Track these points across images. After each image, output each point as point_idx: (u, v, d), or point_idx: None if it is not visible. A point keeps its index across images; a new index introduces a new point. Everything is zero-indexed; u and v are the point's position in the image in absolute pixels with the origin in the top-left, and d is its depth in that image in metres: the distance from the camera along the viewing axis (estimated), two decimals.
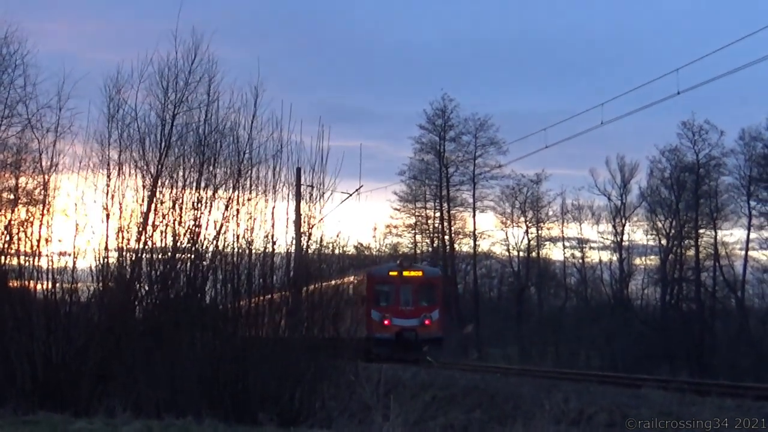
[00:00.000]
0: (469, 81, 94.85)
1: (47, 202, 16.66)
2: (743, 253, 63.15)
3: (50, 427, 12.97)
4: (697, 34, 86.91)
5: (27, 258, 16.49)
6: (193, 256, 16.32)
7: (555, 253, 73.80)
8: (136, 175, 16.98)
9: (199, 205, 16.51)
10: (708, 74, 28.56)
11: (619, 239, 68.22)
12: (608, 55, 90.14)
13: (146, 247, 16.55)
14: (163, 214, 16.67)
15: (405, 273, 35.87)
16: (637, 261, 69.18)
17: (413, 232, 73.77)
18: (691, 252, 64.77)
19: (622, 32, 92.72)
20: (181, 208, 16.51)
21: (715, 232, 63.94)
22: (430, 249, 73.64)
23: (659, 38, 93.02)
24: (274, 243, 16.26)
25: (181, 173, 17.03)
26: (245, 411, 14.68)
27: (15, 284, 16.63)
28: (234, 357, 15.39)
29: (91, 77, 17.99)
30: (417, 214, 73.17)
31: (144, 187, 16.97)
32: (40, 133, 17.29)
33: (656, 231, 66.66)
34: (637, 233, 68.71)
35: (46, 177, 16.81)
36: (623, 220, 68.20)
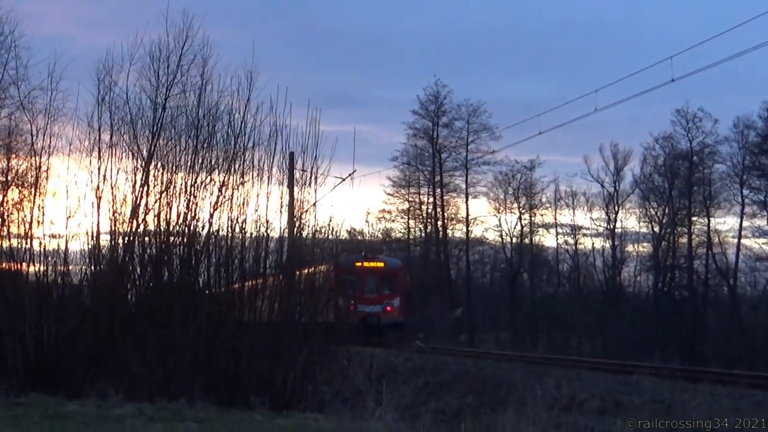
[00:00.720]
0: (463, 67, 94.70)
1: (39, 185, 16.61)
2: (736, 241, 63.26)
3: (42, 409, 12.96)
4: (691, 21, 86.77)
5: (19, 240, 16.46)
6: (186, 239, 16.29)
7: (548, 239, 73.81)
8: (128, 158, 16.95)
9: (193, 188, 16.47)
10: (702, 62, 28.47)
11: (612, 226, 68.29)
12: (602, 42, 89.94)
13: (139, 230, 16.52)
14: (155, 197, 16.64)
15: (368, 264, 37.82)
16: (630, 248, 69.25)
17: (406, 217, 73.74)
18: (684, 239, 64.82)
19: (617, 19, 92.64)
20: (173, 191, 16.49)
21: (708, 220, 64.03)
22: (423, 234, 73.67)
23: (653, 25, 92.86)
24: (267, 227, 16.26)
25: (173, 156, 17.00)
26: (238, 395, 14.71)
27: (7, 266, 16.59)
28: (227, 341, 15.40)
29: (84, 60, 17.92)
30: (410, 199, 73.13)
31: (136, 169, 16.93)
32: (32, 115, 17.22)
33: (649, 218, 66.74)
34: (630, 220, 68.82)
35: (38, 159, 16.75)
36: (616, 207, 68.24)
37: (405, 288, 43.10)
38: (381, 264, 41.02)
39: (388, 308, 39.20)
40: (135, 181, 16.82)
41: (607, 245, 68.96)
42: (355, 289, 36.10)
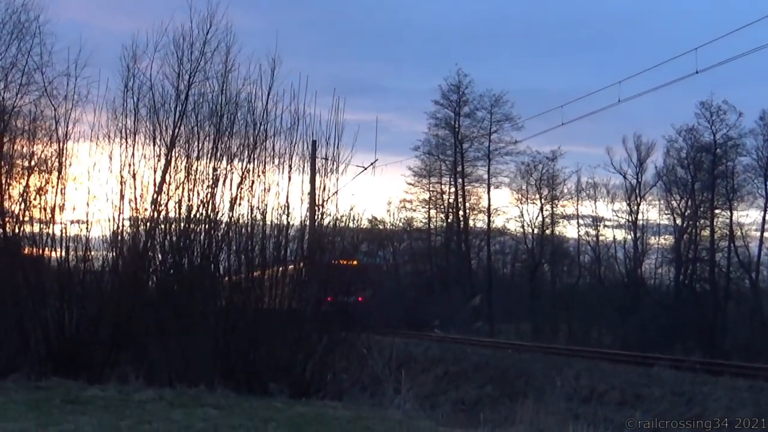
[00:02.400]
0: (486, 57, 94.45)
1: (62, 170, 16.67)
2: (759, 234, 62.88)
3: (63, 393, 13.04)
4: (717, 12, 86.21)
5: (41, 225, 16.53)
6: (207, 226, 16.31)
7: (569, 230, 73.67)
8: (151, 145, 16.98)
9: (214, 175, 16.49)
10: (728, 53, 28.40)
11: (633, 218, 68.03)
12: (627, 33, 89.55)
13: (160, 216, 16.56)
14: (177, 183, 16.67)
15: (344, 261, 40.35)
16: (652, 240, 69.03)
17: (427, 207, 73.76)
18: (706, 232, 64.49)
19: (641, 10, 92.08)
20: (195, 178, 16.51)
21: (731, 213, 63.64)
22: (444, 224, 73.61)
23: (678, 16, 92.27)
24: (288, 215, 16.26)
25: (195, 143, 17.02)
26: (257, 382, 14.74)
27: (29, 251, 16.68)
28: (246, 328, 15.44)
29: (108, 46, 17.99)
30: (431, 189, 73.14)
31: (158, 156, 16.96)
32: (56, 101, 17.26)
33: (671, 210, 66.44)
34: (652, 212, 68.53)
35: (61, 145, 16.80)
36: (638, 199, 67.96)
37: (376, 284, 44.94)
38: (355, 262, 42.68)
39: (360, 299, 40.96)
40: (157, 167, 16.85)
41: (629, 237, 68.77)
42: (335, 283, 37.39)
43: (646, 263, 69.35)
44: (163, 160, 16.86)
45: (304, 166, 16.73)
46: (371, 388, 14.97)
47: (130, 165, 16.67)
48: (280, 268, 16.21)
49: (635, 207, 67.94)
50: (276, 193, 16.29)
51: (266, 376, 14.74)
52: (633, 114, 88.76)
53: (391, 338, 26.14)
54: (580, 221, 72.14)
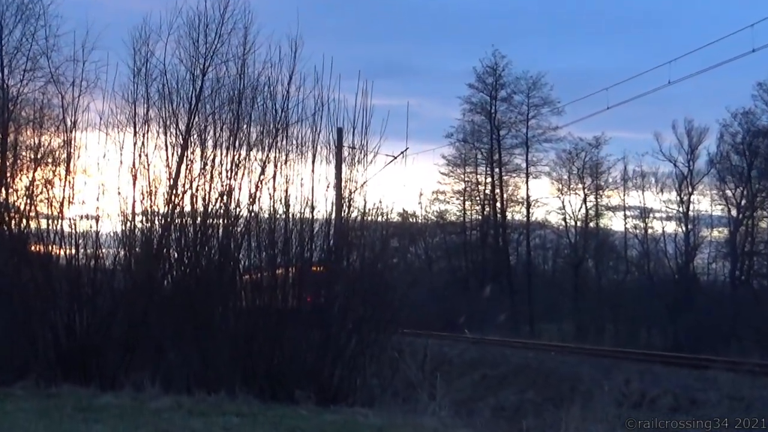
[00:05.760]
0: (524, 37, 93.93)
1: (70, 162, 16.70)
2: None
3: (75, 400, 13.07)
4: None
5: (49, 221, 16.58)
6: (225, 220, 16.30)
7: (615, 223, 73.26)
8: (165, 133, 16.97)
9: (233, 166, 16.47)
10: None
11: (684, 209, 67.50)
12: (677, 9, 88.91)
13: (175, 210, 16.56)
14: (193, 175, 16.66)
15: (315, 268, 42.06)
16: (704, 233, 68.50)
17: (462, 198, 73.65)
18: (764, 224, 63.98)
19: None
20: (212, 169, 16.49)
21: None
22: (480, 217, 73.43)
23: None
24: (313, 208, 16.21)
25: (212, 132, 17.01)
26: (281, 388, 14.71)
27: (36, 249, 16.73)
28: (269, 329, 15.41)
29: (117, 27, 17.98)
30: (466, 179, 73.02)
31: (173, 146, 16.96)
32: (63, 88, 17.29)
33: (726, 200, 65.88)
34: (705, 203, 68.00)
35: (70, 135, 16.83)
36: (690, 189, 67.43)
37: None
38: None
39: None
40: (171, 158, 16.85)
41: (680, 229, 68.25)
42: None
43: (699, 258, 68.86)
44: (178, 150, 16.87)
45: (329, 156, 16.68)
46: (404, 394, 14.89)
47: (142, 156, 16.70)
48: (305, 266, 16.18)
49: (686, 197, 67.43)
50: (299, 185, 16.25)
51: (291, 382, 14.71)
52: (684, 97, 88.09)
53: (425, 339, 26.11)
54: (627, 213, 71.81)
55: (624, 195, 71.87)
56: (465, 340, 37.48)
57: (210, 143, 16.86)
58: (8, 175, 17.33)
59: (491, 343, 37.20)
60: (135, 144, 16.75)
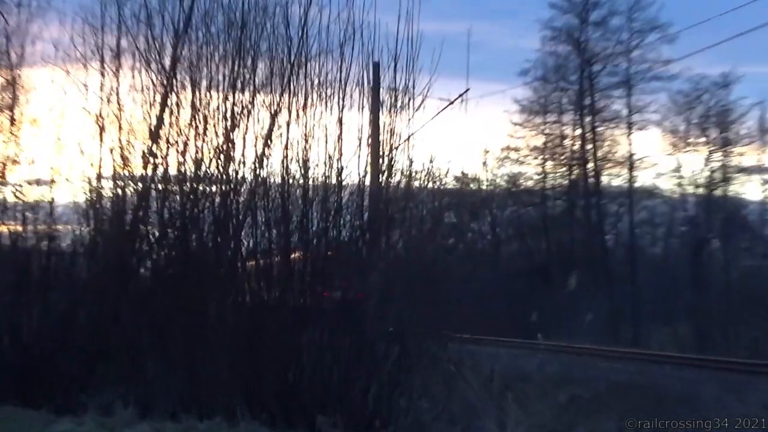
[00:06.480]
0: None
1: (15, 108, 16.80)
2: None
3: (22, 428, 13.17)
4: None
5: None
6: (223, 187, 16.34)
7: (750, 190, 72.88)
8: (143, 70, 17.02)
9: (233, 113, 16.48)
10: None
11: None
12: None
13: (156, 173, 16.62)
14: (180, 126, 16.70)
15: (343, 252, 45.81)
16: None
17: (542, 157, 73.50)
18: None
19: None
20: (206, 118, 16.52)
21: None
22: (566, 182, 73.20)
23: None
24: (340, 171, 16.21)
25: (206, 68, 17.03)
26: (298, 412, 14.79)
27: None
28: (282, 334, 15.46)
29: None
30: (547, 131, 72.86)
31: (154, 87, 17.00)
32: (7, 10, 17.41)
33: None
34: None
35: (15, 72, 16.93)
36: None
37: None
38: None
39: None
40: (152, 103, 16.88)
41: None
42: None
43: None
44: (160, 93, 16.90)
45: (362, 101, 16.67)
46: (463, 421, 14.94)
47: (112, 100, 16.75)
48: (329, 248, 16.20)
49: None
50: (322, 140, 16.24)
51: (311, 404, 14.78)
52: None
53: (492, 348, 26.10)
54: (766, 177, 71.44)
55: (761, 152, 71.53)
56: (546, 348, 37.53)
57: (203, 84, 16.88)
58: None
59: (581, 352, 37.17)
60: (102, 84, 16.83)
